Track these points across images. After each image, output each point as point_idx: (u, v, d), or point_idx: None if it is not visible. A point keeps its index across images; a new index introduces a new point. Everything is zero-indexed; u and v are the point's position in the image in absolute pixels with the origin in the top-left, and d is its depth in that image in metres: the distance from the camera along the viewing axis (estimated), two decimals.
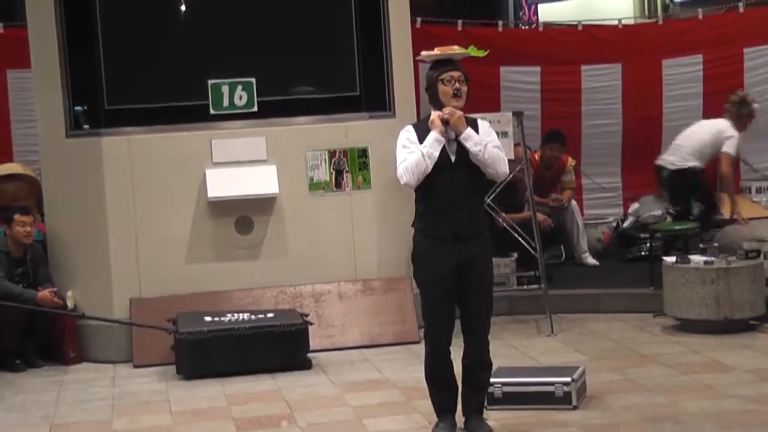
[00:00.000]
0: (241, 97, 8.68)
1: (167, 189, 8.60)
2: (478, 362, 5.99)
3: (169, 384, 7.74)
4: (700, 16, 11.54)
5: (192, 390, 7.55)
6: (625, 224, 10.97)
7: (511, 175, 7.62)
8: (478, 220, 5.99)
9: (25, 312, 8.21)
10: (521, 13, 18.43)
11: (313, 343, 8.15)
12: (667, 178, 10.23)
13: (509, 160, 6.32)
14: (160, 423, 6.83)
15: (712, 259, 8.33)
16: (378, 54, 8.90)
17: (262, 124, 8.73)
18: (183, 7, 8.94)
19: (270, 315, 8.15)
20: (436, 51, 5.97)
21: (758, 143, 11.02)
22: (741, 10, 11.26)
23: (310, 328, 8.08)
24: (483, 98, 9.81)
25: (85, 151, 8.63)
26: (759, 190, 11.28)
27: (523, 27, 14.70)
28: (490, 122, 6.23)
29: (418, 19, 10.50)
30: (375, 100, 8.91)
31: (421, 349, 6.32)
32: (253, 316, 8.10)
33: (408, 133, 5.92)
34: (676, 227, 9.82)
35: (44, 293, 8.26)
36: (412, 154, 5.80)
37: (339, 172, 8.84)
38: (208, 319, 8.05)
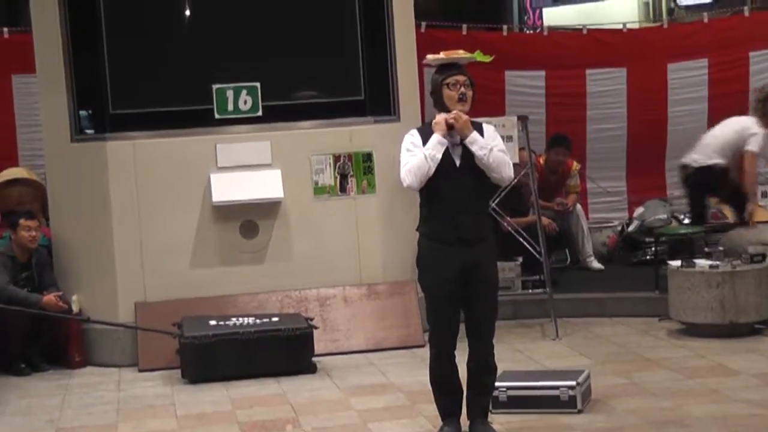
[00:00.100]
0: (245, 102, 8.68)
1: (172, 193, 8.59)
2: (483, 366, 5.99)
3: (174, 388, 7.74)
4: (706, 20, 11.53)
5: (197, 394, 7.55)
6: (630, 228, 10.96)
7: (516, 180, 7.60)
8: (483, 225, 5.98)
9: (30, 316, 8.21)
10: (526, 18, 18.48)
11: (318, 347, 8.14)
12: (691, 175, 10.00)
13: (514, 164, 6.30)
14: (166, 427, 6.83)
15: (718, 263, 8.32)
16: (383, 58, 8.89)
17: (267, 128, 8.72)
18: (187, 12, 8.94)
19: (275, 319, 8.15)
20: (442, 55, 5.97)
21: None
22: (746, 13, 11.27)
23: (315, 332, 8.08)
24: (488, 102, 9.79)
25: (89, 156, 8.64)
26: (764, 195, 11.21)
27: (527, 31, 14.73)
28: (495, 126, 6.21)
29: (423, 24, 10.51)
30: (380, 104, 8.90)
31: (426, 353, 6.31)
32: (258, 320, 8.10)
33: (412, 137, 5.92)
34: (681, 231, 9.79)
35: (49, 297, 8.27)
36: (415, 157, 5.81)
37: (344, 177, 8.83)
38: (213, 323, 8.06)
